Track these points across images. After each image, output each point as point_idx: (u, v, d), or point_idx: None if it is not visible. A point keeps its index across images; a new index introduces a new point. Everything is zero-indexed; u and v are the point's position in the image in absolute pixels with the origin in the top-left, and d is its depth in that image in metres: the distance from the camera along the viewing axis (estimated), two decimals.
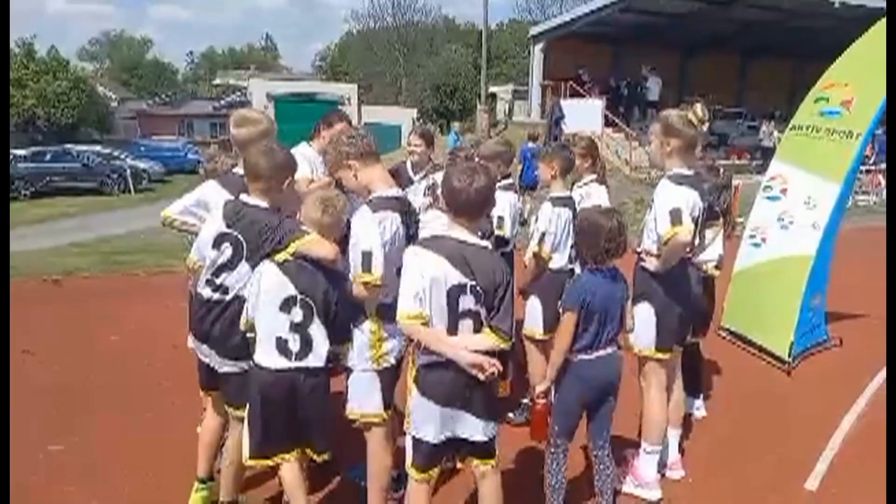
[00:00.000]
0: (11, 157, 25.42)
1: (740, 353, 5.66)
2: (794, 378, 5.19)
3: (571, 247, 4.18)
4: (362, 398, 2.95)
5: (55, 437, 4.09)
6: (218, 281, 2.89)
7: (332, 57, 62.97)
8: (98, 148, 28.93)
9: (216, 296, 2.90)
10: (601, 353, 3.07)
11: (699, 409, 4.52)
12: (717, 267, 4.10)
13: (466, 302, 2.53)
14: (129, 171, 25.26)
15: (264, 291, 2.75)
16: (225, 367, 2.97)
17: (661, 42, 23.06)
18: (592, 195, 4.42)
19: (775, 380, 5.19)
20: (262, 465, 2.94)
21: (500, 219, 4.13)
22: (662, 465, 3.69)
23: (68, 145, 28.05)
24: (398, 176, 5.12)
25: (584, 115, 11.69)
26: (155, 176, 27.51)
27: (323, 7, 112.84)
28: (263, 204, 2.87)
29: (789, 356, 5.25)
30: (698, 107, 3.38)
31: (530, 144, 12.45)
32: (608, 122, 19.57)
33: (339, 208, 2.85)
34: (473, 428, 2.64)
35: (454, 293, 2.51)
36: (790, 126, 5.75)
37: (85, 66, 45.08)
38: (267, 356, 2.77)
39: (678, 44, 23.87)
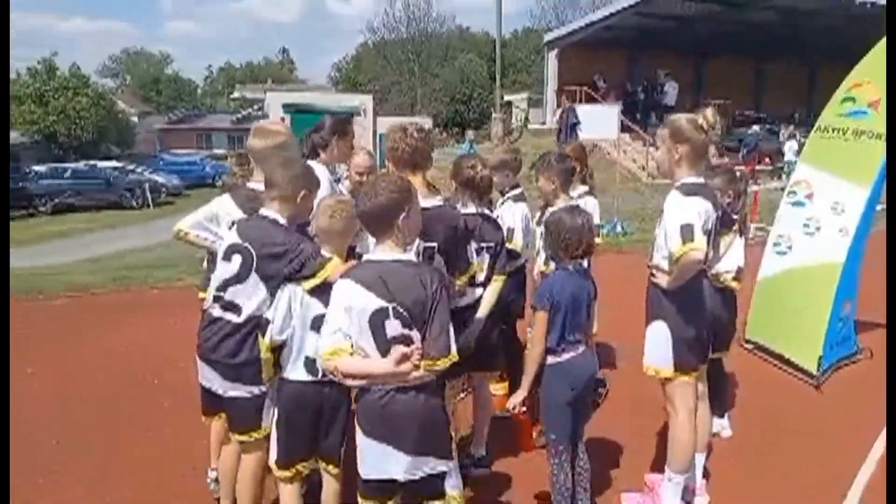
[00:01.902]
0: (32, 173, 25.86)
1: (766, 367, 5.40)
2: (823, 393, 4.93)
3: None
4: None
5: (55, 446, 4.02)
6: (226, 297, 2.78)
7: (347, 68, 63.32)
8: (117, 163, 29.26)
9: (226, 315, 2.79)
10: (575, 352, 3.03)
11: (725, 430, 4.28)
12: (735, 278, 3.87)
13: (393, 327, 2.31)
14: (147, 186, 25.49)
15: (295, 314, 2.68)
16: (230, 391, 2.84)
17: (675, 46, 22.86)
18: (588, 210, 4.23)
19: (804, 395, 4.93)
20: (285, 475, 2.82)
21: (511, 231, 3.95)
22: (688, 492, 3.46)
23: (88, 161, 28.40)
24: None
25: (600, 121, 11.44)
26: (173, 189, 27.76)
27: (338, 19, 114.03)
28: (279, 217, 2.77)
29: (818, 370, 5.00)
30: (709, 111, 3.19)
31: None
32: (625, 128, 19.31)
33: (348, 213, 2.71)
34: (398, 466, 2.35)
35: (377, 319, 2.30)
36: (815, 127, 5.50)
37: (105, 83, 45.55)
38: (295, 372, 2.72)
39: (693, 47, 23.62)
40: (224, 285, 2.77)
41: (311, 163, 3.94)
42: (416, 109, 48.50)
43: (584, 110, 11.61)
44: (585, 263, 3.81)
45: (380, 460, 2.36)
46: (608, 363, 5.16)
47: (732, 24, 22.01)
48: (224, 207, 3.14)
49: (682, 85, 21.88)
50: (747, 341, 5.73)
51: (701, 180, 3.21)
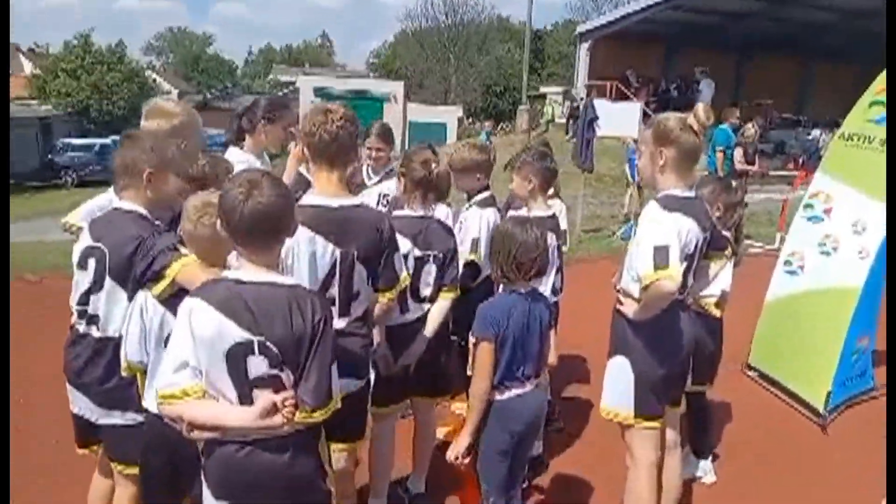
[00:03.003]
0: (59, 146, 26.15)
1: (768, 400, 4.84)
2: (830, 435, 4.36)
3: (557, 273, 3.53)
4: None
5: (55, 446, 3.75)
6: (89, 309, 2.37)
7: (385, 55, 63.10)
8: None
9: (91, 331, 2.38)
10: (521, 390, 2.57)
11: (707, 474, 3.77)
12: (717, 305, 3.36)
13: (257, 366, 1.84)
14: None
15: (149, 329, 2.24)
16: (104, 419, 2.44)
17: (715, 42, 21.86)
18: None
19: (808, 435, 4.37)
20: None
21: (475, 241, 3.46)
22: None
23: (117, 136, 28.56)
24: (351, 179, 4.56)
25: (621, 118, 10.82)
26: None
27: (380, 6, 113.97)
28: (137, 208, 2.35)
29: (825, 408, 4.43)
30: (700, 108, 2.74)
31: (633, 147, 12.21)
32: None
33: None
34: None
35: (236, 356, 1.83)
36: (838, 134, 4.89)
37: (139, 59, 45.94)
38: (148, 401, 2.28)
39: (734, 45, 22.56)
40: (85, 296, 2.37)
41: (231, 149, 3.57)
42: (449, 98, 48.03)
43: (604, 105, 10.97)
44: (548, 287, 3.38)
45: None
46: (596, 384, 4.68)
47: (776, 21, 20.95)
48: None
49: (721, 83, 20.90)
50: (750, 367, 5.18)
51: (689, 193, 2.73)
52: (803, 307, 4.76)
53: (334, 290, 2.43)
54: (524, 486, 3.51)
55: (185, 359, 1.84)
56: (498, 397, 2.56)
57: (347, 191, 2.55)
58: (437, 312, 2.97)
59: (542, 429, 3.78)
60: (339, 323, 2.41)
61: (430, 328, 2.95)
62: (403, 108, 38.24)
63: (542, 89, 32.64)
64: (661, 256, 2.44)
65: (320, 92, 37.61)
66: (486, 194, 3.72)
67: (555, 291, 3.48)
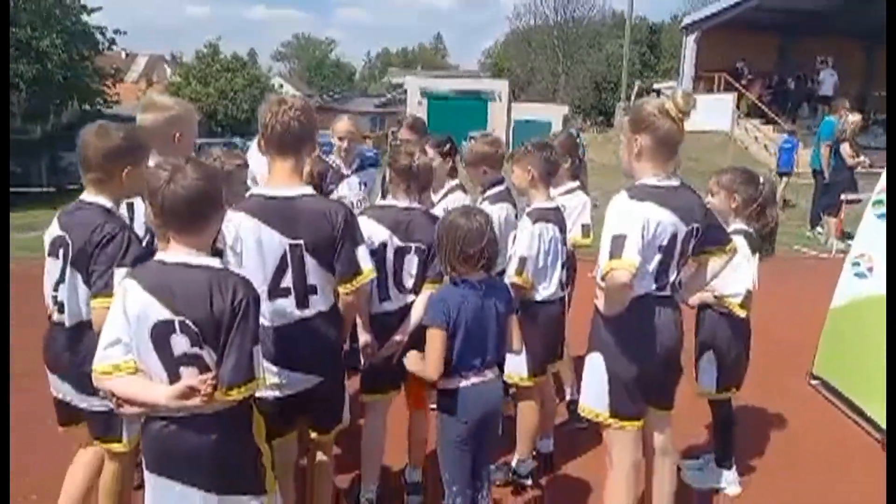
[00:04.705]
0: (197, 145, 28.27)
1: (829, 413, 4.43)
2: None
3: (563, 268, 3.41)
4: None
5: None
6: (59, 297, 2.48)
7: (497, 54, 63.28)
8: None
9: (63, 319, 2.49)
10: (477, 379, 2.54)
11: (730, 486, 3.51)
12: (742, 305, 3.14)
13: (179, 344, 1.93)
14: None
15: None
16: (84, 403, 2.53)
17: (840, 29, 20.06)
18: (575, 207, 3.62)
19: (866, 454, 3.96)
20: None
21: None
22: None
23: (236, 137, 30.52)
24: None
25: (711, 111, 10.27)
26: None
27: (493, 5, 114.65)
28: (103, 201, 2.45)
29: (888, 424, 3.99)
30: (679, 94, 2.50)
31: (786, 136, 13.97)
32: (769, 121, 17.50)
33: None
34: None
35: (160, 334, 1.92)
36: None
37: (266, 65, 48.76)
38: None
39: (862, 31, 20.60)
40: (56, 284, 2.48)
41: (252, 146, 3.68)
42: (557, 95, 47.41)
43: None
44: (554, 282, 3.28)
45: (178, 500, 2.02)
46: None
47: None
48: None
49: (848, 74, 19.21)
50: (815, 377, 4.77)
51: (669, 182, 2.56)
52: (870, 313, 4.30)
53: (288, 282, 2.45)
54: (528, 482, 3.45)
55: (118, 336, 1.97)
56: (450, 385, 2.53)
57: (301, 181, 2.56)
58: (420, 304, 2.95)
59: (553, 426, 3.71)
60: (298, 313, 2.47)
61: (412, 319, 2.93)
62: (508, 107, 38.21)
63: (656, 85, 31.50)
64: (616, 246, 2.35)
65: (427, 92, 38.38)
66: (499, 188, 3.66)
67: (562, 286, 3.38)
